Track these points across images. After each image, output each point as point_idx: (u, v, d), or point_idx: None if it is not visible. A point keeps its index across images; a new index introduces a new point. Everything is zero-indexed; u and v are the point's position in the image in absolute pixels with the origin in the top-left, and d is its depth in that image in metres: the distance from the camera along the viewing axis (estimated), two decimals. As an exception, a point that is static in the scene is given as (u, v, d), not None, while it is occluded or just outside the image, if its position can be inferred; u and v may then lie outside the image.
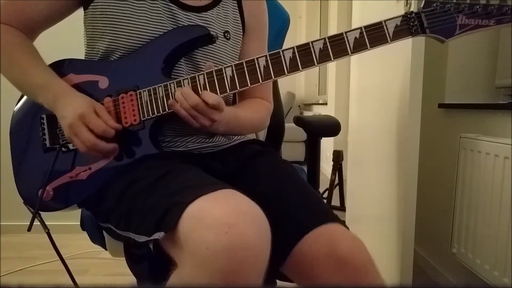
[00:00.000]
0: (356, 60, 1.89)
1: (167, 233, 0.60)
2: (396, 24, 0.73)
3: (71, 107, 0.74)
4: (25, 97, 0.86)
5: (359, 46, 0.73)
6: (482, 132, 1.35)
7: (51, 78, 0.79)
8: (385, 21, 0.73)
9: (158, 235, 0.61)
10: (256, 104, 0.94)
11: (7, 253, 1.90)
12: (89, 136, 0.72)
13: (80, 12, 0.84)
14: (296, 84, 6.01)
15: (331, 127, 1.11)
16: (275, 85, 1.20)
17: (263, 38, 0.97)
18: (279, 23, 1.20)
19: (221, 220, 0.54)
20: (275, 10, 1.17)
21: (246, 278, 0.54)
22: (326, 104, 4.32)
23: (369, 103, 1.68)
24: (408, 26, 0.73)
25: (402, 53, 1.26)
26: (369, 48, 0.73)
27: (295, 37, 5.73)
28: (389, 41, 0.73)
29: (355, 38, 0.73)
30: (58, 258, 0.84)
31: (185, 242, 0.57)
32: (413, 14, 0.73)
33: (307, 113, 5.27)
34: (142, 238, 0.65)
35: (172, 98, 0.75)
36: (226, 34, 0.87)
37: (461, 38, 0.73)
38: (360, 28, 0.73)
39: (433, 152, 1.69)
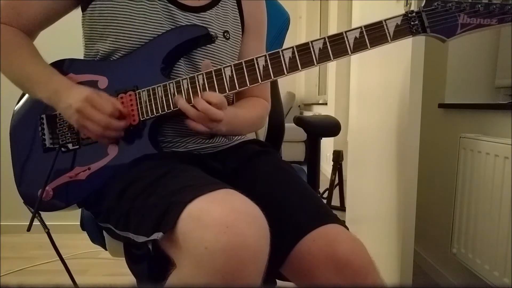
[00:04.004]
0: (356, 60, 1.89)
1: (165, 233, 0.60)
2: (397, 23, 0.72)
3: (76, 94, 0.74)
4: (25, 97, 0.87)
5: (359, 45, 0.72)
6: (482, 132, 1.35)
7: (52, 74, 0.79)
8: (385, 20, 0.72)
9: (157, 235, 0.61)
10: (254, 103, 0.93)
11: (7, 253, 1.90)
12: (101, 116, 0.72)
13: (79, 11, 0.84)
14: (296, 84, 6.01)
15: (331, 127, 1.11)
16: (275, 85, 1.20)
17: (262, 38, 0.97)
18: (279, 23, 1.20)
19: (220, 220, 0.54)
20: (275, 10, 1.17)
21: (245, 278, 0.54)
22: (326, 104, 4.32)
23: (369, 103, 1.68)
24: (408, 25, 0.72)
25: (402, 53, 1.26)
26: (369, 47, 0.72)
27: (295, 37, 5.73)
28: (390, 41, 0.72)
29: (355, 37, 0.72)
30: (58, 258, 0.84)
31: (183, 242, 0.57)
32: (414, 13, 0.72)
33: (307, 113, 5.27)
34: (141, 239, 0.65)
35: (171, 98, 0.75)
36: (225, 34, 0.86)
37: (461, 38, 0.73)
38: (360, 27, 0.72)
39: (433, 152, 1.69)
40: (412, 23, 0.72)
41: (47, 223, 0.81)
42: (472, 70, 1.54)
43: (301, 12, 5.72)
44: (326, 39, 0.73)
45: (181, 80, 0.76)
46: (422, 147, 1.27)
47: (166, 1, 0.81)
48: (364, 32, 0.72)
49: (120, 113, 0.75)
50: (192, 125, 0.74)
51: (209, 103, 0.72)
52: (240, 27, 0.91)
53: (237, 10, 0.91)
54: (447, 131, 1.59)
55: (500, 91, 1.51)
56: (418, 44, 1.19)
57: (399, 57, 1.28)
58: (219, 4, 0.87)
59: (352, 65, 2.00)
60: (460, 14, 0.71)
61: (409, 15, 0.72)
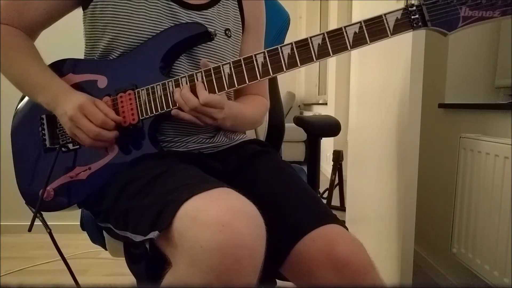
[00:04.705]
0: (356, 59, 1.89)
1: (161, 232, 0.59)
2: (397, 17, 0.70)
3: (71, 101, 0.74)
4: (26, 98, 0.87)
5: (359, 40, 0.71)
6: (482, 132, 1.35)
7: (51, 78, 0.79)
8: (385, 14, 0.70)
9: (153, 234, 0.60)
10: (255, 100, 0.94)
11: (7, 253, 1.90)
12: (91, 126, 0.73)
13: (80, 10, 0.84)
14: (296, 84, 6.00)
15: (331, 127, 1.11)
16: (275, 84, 1.20)
17: (261, 36, 0.97)
18: (279, 23, 1.20)
19: (216, 219, 0.54)
20: (275, 10, 1.17)
21: (240, 277, 0.54)
22: (326, 104, 4.32)
23: (369, 103, 1.68)
24: (409, 19, 0.70)
25: (402, 53, 1.26)
26: (368, 42, 0.71)
27: (295, 37, 5.62)
28: (390, 35, 0.70)
29: (355, 32, 0.71)
30: (58, 258, 0.84)
31: (179, 241, 0.57)
32: (414, 7, 0.70)
33: (307, 113, 5.26)
34: (138, 238, 0.65)
35: (171, 97, 0.75)
36: (227, 32, 0.87)
37: (462, 37, 0.72)
38: (360, 22, 0.71)
39: (433, 152, 1.69)
40: (412, 16, 0.70)
41: (47, 223, 0.81)
42: (472, 70, 1.53)
43: (301, 12, 5.72)
44: (325, 35, 0.72)
45: (180, 79, 0.76)
46: (422, 147, 1.27)
47: None
48: (364, 27, 0.71)
49: (114, 122, 0.75)
50: (181, 115, 0.75)
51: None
52: (241, 25, 0.91)
53: (238, 9, 0.91)
54: (447, 131, 1.59)
55: (500, 91, 1.50)
56: (418, 44, 1.18)
57: (399, 57, 1.28)
58: (220, 2, 0.87)
59: (352, 65, 2.00)
60: (462, 6, 0.69)
61: (409, 8, 0.70)
